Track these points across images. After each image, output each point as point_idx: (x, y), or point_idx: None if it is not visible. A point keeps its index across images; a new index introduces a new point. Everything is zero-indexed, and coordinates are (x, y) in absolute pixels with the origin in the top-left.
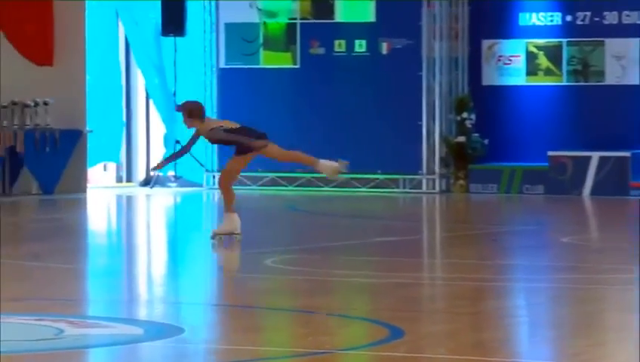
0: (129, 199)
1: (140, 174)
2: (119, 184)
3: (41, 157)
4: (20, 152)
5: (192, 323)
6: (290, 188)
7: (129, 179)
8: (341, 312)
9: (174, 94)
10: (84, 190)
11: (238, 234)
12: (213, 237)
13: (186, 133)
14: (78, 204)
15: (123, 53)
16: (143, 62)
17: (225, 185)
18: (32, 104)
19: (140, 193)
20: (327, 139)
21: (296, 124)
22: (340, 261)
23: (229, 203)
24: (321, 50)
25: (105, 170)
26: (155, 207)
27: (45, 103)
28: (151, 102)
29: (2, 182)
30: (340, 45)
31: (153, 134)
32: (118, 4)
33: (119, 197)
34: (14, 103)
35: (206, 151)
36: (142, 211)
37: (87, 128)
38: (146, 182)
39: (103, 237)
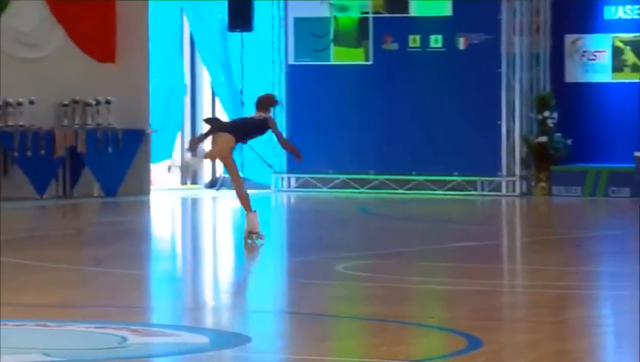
0: (194, 202)
1: (206, 176)
2: (184, 186)
3: (102, 158)
4: (81, 153)
5: (260, 331)
6: (362, 190)
7: (194, 181)
8: (416, 321)
9: (241, 92)
10: (147, 192)
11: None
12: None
13: None
14: (142, 207)
15: (188, 51)
16: (208, 59)
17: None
18: (94, 103)
19: (206, 195)
20: (399, 140)
21: (367, 124)
22: (414, 267)
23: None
24: (394, 46)
25: (169, 171)
26: (221, 210)
27: (107, 102)
28: (217, 100)
29: (63, 183)
30: (414, 41)
31: None
32: (183, 0)
33: (184, 200)
34: (75, 102)
35: (274, 151)
36: (207, 214)
37: (150, 128)
38: (212, 184)
39: (167, 242)
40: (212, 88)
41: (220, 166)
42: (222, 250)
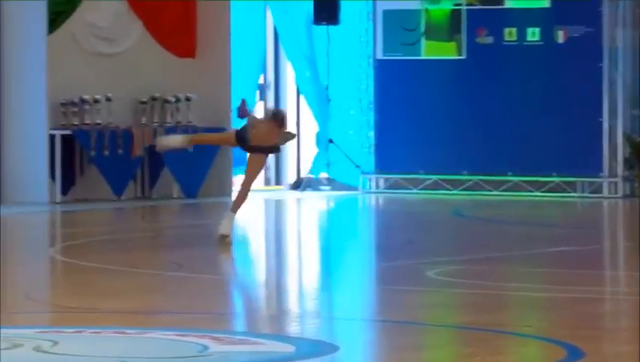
0: (278, 203)
1: (290, 176)
2: (267, 187)
3: (182, 157)
4: (160, 152)
5: (348, 340)
6: (454, 192)
7: (278, 182)
8: (512, 329)
9: (327, 88)
10: (229, 194)
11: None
12: (221, 239)
13: (339, 131)
14: (223, 209)
15: (271, 45)
16: (293, 53)
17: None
18: (173, 100)
19: (290, 197)
20: (494, 139)
21: (460, 121)
22: (510, 273)
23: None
24: (489, 40)
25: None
26: (306, 212)
27: (187, 99)
28: (302, 97)
29: (141, 184)
30: (510, 34)
31: (304, 132)
32: None
33: (267, 202)
34: (154, 99)
35: (361, 151)
36: (292, 216)
37: (232, 126)
38: (297, 185)
39: (251, 245)
40: (297, 85)
41: (304, 166)
42: (307, 253)
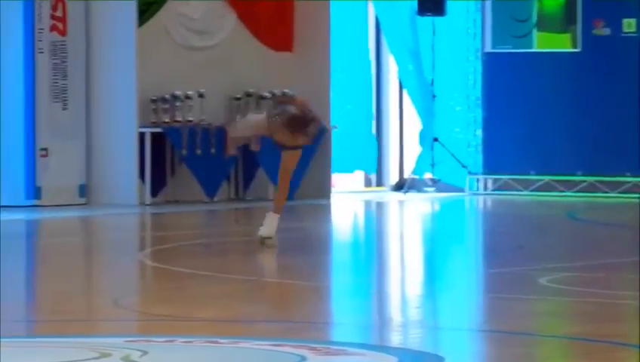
0: (379, 206)
1: (392, 177)
2: (368, 188)
3: (278, 157)
4: (255, 151)
5: (453, 351)
6: (568, 193)
7: (379, 183)
8: (630, 342)
9: (432, 83)
10: (327, 196)
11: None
12: (261, 242)
13: (445, 129)
14: (321, 212)
15: (373, 38)
16: (396, 46)
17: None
18: (269, 96)
19: (392, 199)
20: (611, 137)
21: (574, 118)
22: (627, 280)
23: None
24: (606, 31)
25: (351, 172)
26: (410, 215)
27: (284, 95)
28: (405, 92)
29: (235, 185)
30: (629, 25)
31: (407, 130)
32: None
33: (368, 204)
34: (248, 95)
35: (468, 150)
36: (394, 220)
37: (332, 124)
38: (399, 187)
39: (350, 250)
40: (399, 79)
41: (407, 166)
42: (410, 259)
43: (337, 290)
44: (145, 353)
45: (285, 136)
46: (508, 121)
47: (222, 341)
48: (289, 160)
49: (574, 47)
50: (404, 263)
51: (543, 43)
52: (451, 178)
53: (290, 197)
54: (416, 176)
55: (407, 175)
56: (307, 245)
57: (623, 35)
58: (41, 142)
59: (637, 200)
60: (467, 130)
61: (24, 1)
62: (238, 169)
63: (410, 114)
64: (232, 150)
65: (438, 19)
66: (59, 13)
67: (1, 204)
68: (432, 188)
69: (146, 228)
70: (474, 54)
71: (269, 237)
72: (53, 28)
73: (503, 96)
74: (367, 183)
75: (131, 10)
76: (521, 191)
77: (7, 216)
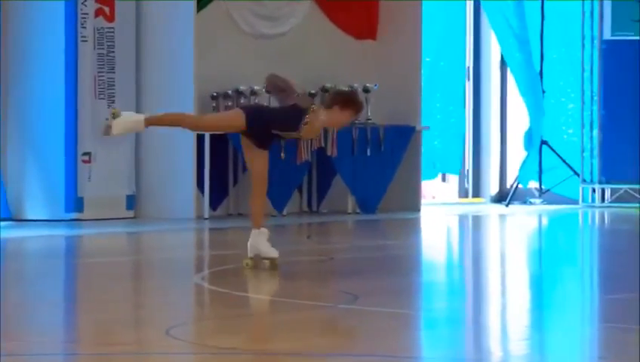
0: (476, 220)
1: (492, 187)
2: (464, 199)
3: (359, 163)
4: (331, 157)
5: None
6: None
7: (476, 194)
8: None
9: (540, 73)
10: (417, 208)
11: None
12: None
13: (555, 130)
14: (410, 227)
15: (470, 22)
16: (500, 32)
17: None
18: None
19: (492, 212)
20: None
21: None
22: None
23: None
24: None
25: (444, 180)
26: (513, 231)
27: (366, 90)
28: (508, 85)
29: (308, 196)
30: None
31: (511, 131)
32: None
33: (463, 218)
34: (325, 90)
35: (582, 155)
36: (494, 237)
37: (422, 125)
38: (500, 198)
39: (443, 272)
40: (501, 70)
41: (510, 174)
42: (513, 283)
43: (428, 319)
44: None
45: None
46: (630, 121)
47: None
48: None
49: None
50: (506, 287)
51: None
52: (562, 188)
53: (371, 210)
54: (521, 186)
55: (509, 184)
56: (392, 266)
57: None
58: (84, 146)
59: None
60: (581, 132)
61: None
62: (311, 177)
63: (513, 112)
64: (304, 155)
65: (549, 3)
66: None
67: (38, 218)
68: (539, 200)
69: (204, 246)
70: (590, 42)
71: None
72: (98, 13)
73: (625, 91)
74: (463, 194)
75: None
76: None
77: (44, 231)
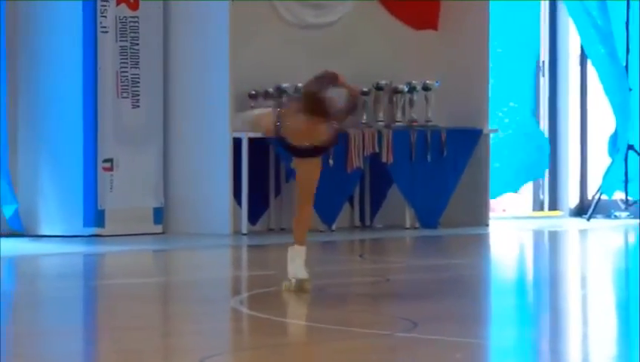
0: (553, 236)
1: (572, 198)
2: (539, 213)
3: (418, 170)
4: (387, 163)
5: None
6: None
7: (553, 206)
8: None
9: (626, 68)
10: (484, 222)
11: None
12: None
13: None
14: (476, 244)
15: (546, 10)
16: (580, 21)
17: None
18: (406, 89)
19: (571, 227)
20: None
21: None
22: None
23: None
24: None
25: (516, 190)
26: (595, 250)
27: (425, 88)
28: (588, 83)
29: (360, 209)
30: None
31: (592, 134)
32: None
33: (538, 234)
34: (378, 88)
35: None
36: (573, 255)
37: (490, 127)
38: (581, 211)
39: (515, 296)
40: (580, 64)
41: (591, 184)
42: (595, 309)
43: (497, 349)
44: None
45: (295, 130)
46: None
47: None
48: (304, 174)
49: None
50: (588, 313)
51: None
52: None
53: (432, 225)
54: (604, 197)
55: (590, 195)
56: (456, 288)
57: None
58: (105, 152)
59: None
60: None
61: None
62: (364, 187)
63: (595, 112)
64: (356, 162)
65: None
66: None
67: (53, 233)
68: (626, 213)
69: (242, 265)
70: None
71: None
72: (120, 0)
73: None
74: (538, 206)
75: None
76: None
77: (60, 248)
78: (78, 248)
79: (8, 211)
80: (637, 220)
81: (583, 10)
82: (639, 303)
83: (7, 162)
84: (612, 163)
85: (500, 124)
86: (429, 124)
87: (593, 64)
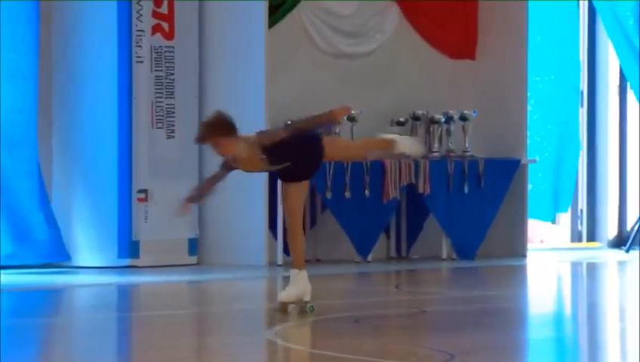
0: (591, 268)
1: (610, 229)
2: (577, 244)
3: (455, 201)
4: (424, 194)
5: None
6: None
7: (591, 238)
8: None
9: None
10: (522, 254)
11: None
12: (282, 309)
13: None
14: (514, 276)
15: (585, 38)
16: (618, 44)
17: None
18: (443, 119)
19: (610, 259)
20: None
21: None
22: None
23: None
24: None
25: (554, 222)
26: (633, 282)
27: (462, 118)
28: (630, 108)
29: (396, 240)
30: None
31: (632, 163)
32: None
33: (576, 266)
34: (415, 118)
35: None
36: (611, 288)
37: (528, 157)
38: (619, 242)
39: (552, 329)
40: (619, 94)
41: (631, 214)
42: (632, 343)
43: None
44: None
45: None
46: None
47: None
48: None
49: None
50: (627, 348)
51: None
52: None
53: (469, 256)
54: None
55: (630, 226)
56: (494, 320)
57: None
58: (140, 182)
59: None
60: None
61: None
62: (400, 218)
63: (635, 141)
64: (392, 192)
65: None
66: (164, 10)
67: (88, 264)
68: None
69: (277, 296)
70: None
71: (291, 303)
72: (156, 29)
73: None
74: (576, 237)
75: (260, 5)
76: None
77: (95, 279)
78: (113, 279)
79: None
80: None
81: (619, 28)
82: None
83: (45, 194)
84: None
85: (539, 148)
86: (467, 154)
87: (631, 86)
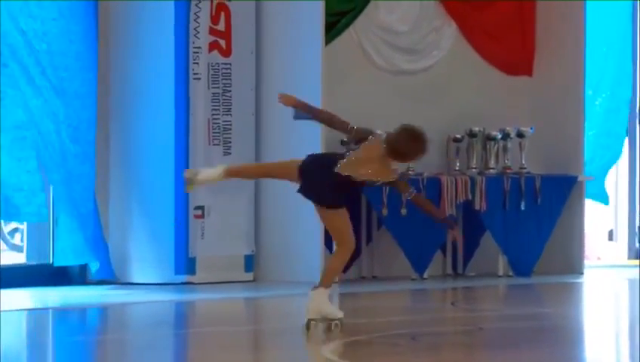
0: None
1: None
2: (634, 261)
3: (512, 218)
4: (480, 211)
5: None
6: None
7: None
8: None
9: None
10: (579, 271)
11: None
12: (307, 326)
13: None
14: (571, 293)
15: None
16: None
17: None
18: (499, 136)
19: None
20: None
21: None
22: None
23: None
24: None
25: (611, 239)
26: None
27: (519, 135)
28: None
29: (453, 256)
30: None
31: None
32: None
33: (633, 283)
34: (472, 135)
35: None
36: None
37: (585, 174)
38: None
39: (610, 347)
40: None
41: None
42: None
43: None
44: None
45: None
46: None
47: None
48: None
49: None
50: None
51: None
52: None
53: (526, 273)
54: None
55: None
56: (551, 338)
57: None
58: (197, 199)
59: None
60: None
61: (175, 12)
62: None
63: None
64: (449, 209)
65: None
66: (221, 27)
67: (144, 281)
68: None
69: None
70: None
71: (313, 319)
72: (213, 46)
73: None
74: (633, 254)
75: (316, 22)
76: None
77: (151, 296)
78: (170, 296)
79: (94, 265)
80: None
81: None
82: None
83: (97, 214)
84: None
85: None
86: (523, 170)
87: None
